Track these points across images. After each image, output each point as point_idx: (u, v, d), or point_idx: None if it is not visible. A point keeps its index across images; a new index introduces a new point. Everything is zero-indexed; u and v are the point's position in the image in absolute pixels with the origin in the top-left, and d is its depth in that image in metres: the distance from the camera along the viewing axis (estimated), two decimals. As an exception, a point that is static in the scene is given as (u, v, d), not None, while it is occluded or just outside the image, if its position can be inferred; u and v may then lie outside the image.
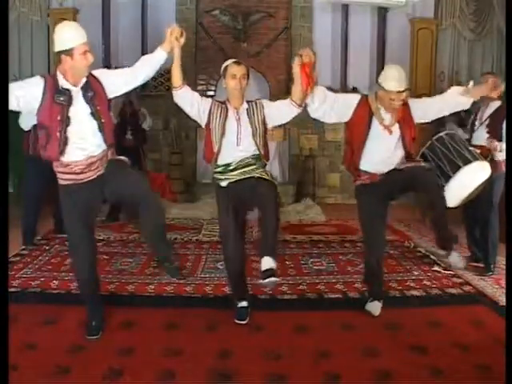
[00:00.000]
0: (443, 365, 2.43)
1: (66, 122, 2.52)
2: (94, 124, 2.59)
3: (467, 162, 3.44)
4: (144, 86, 6.95)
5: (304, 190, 6.79)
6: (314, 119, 3.11)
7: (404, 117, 2.99)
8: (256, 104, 2.97)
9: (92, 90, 2.59)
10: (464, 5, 6.94)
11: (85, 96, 2.57)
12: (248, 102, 2.97)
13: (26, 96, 2.49)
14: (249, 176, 2.88)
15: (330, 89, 7.48)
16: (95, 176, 2.63)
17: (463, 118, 6.60)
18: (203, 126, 2.99)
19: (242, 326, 2.86)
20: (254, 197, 2.85)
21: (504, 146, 3.58)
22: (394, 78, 2.88)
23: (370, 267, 3.11)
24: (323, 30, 7.10)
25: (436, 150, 3.58)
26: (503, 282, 3.54)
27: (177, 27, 2.84)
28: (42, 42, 6.74)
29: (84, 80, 2.58)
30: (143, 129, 5.67)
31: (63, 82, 2.54)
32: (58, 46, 2.51)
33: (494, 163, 3.63)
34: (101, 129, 2.61)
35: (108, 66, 7.02)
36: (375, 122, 2.95)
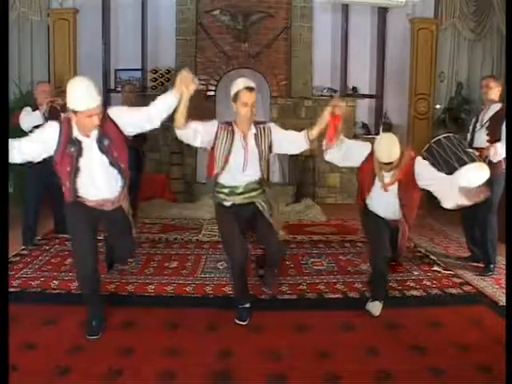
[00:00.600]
0: (443, 365, 2.43)
1: (75, 172, 2.60)
2: (113, 171, 2.68)
3: (464, 163, 3.46)
4: (144, 86, 6.99)
5: (304, 190, 6.78)
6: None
7: (406, 176, 3.07)
8: (264, 129, 2.94)
9: (108, 137, 2.62)
10: (464, 5, 6.93)
11: (100, 147, 2.61)
12: (256, 125, 2.94)
13: (46, 142, 2.60)
14: (252, 201, 2.97)
15: (330, 89, 7.52)
16: (106, 209, 2.79)
17: (464, 119, 6.63)
18: (209, 149, 2.96)
19: (242, 325, 2.87)
20: (255, 226, 3.00)
21: (503, 146, 3.58)
22: (384, 150, 2.96)
23: (377, 270, 3.14)
24: (323, 30, 7.10)
25: (434, 153, 3.61)
26: (503, 282, 3.54)
27: (187, 74, 2.70)
28: (41, 42, 6.74)
29: (97, 129, 2.59)
30: (143, 136, 5.65)
31: (76, 133, 2.58)
32: (68, 102, 2.52)
33: (493, 165, 3.63)
34: (121, 172, 2.71)
35: (108, 66, 7.04)
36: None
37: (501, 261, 3.91)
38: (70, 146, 2.56)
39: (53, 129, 2.59)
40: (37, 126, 4.29)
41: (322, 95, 7.02)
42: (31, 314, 2.95)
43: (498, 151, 3.63)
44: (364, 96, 7.26)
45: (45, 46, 6.76)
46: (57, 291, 3.36)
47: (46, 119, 4.33)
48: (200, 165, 6.99)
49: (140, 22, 6.97)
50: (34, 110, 4.33)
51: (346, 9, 7.09)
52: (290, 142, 2.98)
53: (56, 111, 4.48)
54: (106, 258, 3.44)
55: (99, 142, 2.60)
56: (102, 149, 2.61)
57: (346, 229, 5.34)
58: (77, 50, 6.74)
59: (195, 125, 2.83)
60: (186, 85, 2.67)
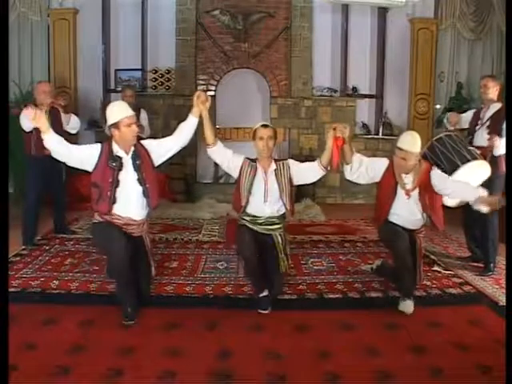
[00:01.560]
0: (443, 365, 2.43)
1: (115, 183, 2.95)
2: (140, 189, 3.02)
3: (465, 161, 3.47)
4: (144, 86, 6.99)
5: (304, 190, 6.77)
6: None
7: (424, 183, 3.20)
8: (283, 164, 3.27)
9: (140, 158, 3.03)
10: (464, 5, 6.94)
11: (133, 164, 3.01)
12: (276, 162, 3.29)
13: (87, 154, 3.01)
14: (270, 233, 3.27)
15: (330, 89, 7.53)
16: (131, 234, 3.06)
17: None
18: (235, 178, 3.32)
19: (242, 325, 2.86)
20: (266, 258, 3.24)
21: (503, 141, 3.58)
22: (408, 141, 3.17)
23: (403, 265, 3.15)
24: (323, 30, 7.09)
25: (436, 151, 3.63)
26: (503, 282, 3.54)
27: (202, 93, 3.16)
28: (41, 42, 6.75)
29: (132, 149, 3.02)
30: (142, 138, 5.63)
31: (117, 150, 3.00)
32: (108, 121, 2.98)
33: (494, 163, 3.63)
34: (145, 194, 3.03)
35: (108, 66, 7.03)
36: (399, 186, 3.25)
37: (501, 261, 3.91)
38: (111, 162, 2.97)
39: (95, 148, 3.03)
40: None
41: (321, 95, 7.02)
42: (31, 314, 2.95)
43: (497, 142, 3.63)
44: (364, 96, 7.26)
45: (45, 46, 6.76)
46: (57, 291, 3.36)
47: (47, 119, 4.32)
48: (200, 165, 7.00)
49: (140, 22, 6.96)
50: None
51: (346, 9, 7.09)
52: (307, 172, 3.30)
53: (57, 112, 4.49)
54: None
55: (133, 159, 3.01)
56: (135, 166, 3.01)
57: (346, 229, 5.34)
58: (77, 49, 6.75)
59: (225, 150, 3.29)
60: (202, 102, 3.11)
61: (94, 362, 2.42)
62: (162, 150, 3.17)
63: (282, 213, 3.31)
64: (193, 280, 3.64)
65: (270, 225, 3.27)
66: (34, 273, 3.72)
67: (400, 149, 3.16)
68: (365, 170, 3.28)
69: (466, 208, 3.93)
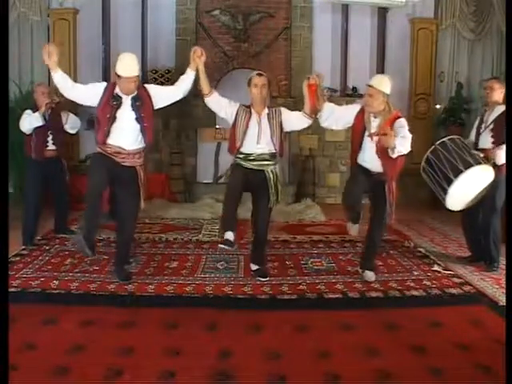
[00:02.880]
0: (443, 365, 2.42)
1: (112, 119, 3.30)
2: (137, 127, 3.37)
3: (469, 166, 3.47)
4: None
5: (304, 190, 6.78)
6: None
7: (386, 129, 3.30)
8: (275, 111, 3.59)
9: (140, 100, 3.36)
10: (464, 5, 6.94)
11: (133, 104, 3.34)
12: (269, 108, 3.58)
13: (91, 92, 3.37)
14: (262, 169, 3.51)
15: (330, 89, 7.52)
16: (121, 164, 3.37)
17: (464, 119, 6.63)
18: (230, 125, 3.59)
19: (242, 325, 2.86)
20: (257, 194, 3.55)
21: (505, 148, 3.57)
22: (376, 79, 3.47)
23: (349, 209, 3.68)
24: (323, 30, 7.10)
25: (439, 155, 3.64)
26: (503, 282, 3.54)
27: (198, 48, 3.54)
28: (41, 42, 6.73)
29: (135, 92, 3.35)
30: None
31: (118, 91, 3.35)
32: (116, 68, 3.28)
33: (497, 166, 3.63)
34: (142, 131, 3.39)
35: (108, 66, 7.03)
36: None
37: (501, 261, 3.91)
38: (112, 100, 3.31)
39: (101, 85, 3.39)
40: (37, 127, 4.31)
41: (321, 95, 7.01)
42: (31, 314, 2.95)
43: (503, 153, 3.61)
44: (364, 96, 7.26)
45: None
46: (57, 291, 3.36)
47: (46, 120, 4.34)
48: (200, 165, 7.00)
49: (140, 22, 6.97)
50: (34, 112, 4.34)
51: (346, 9, 7.09)
52: (295, 119, 3.62)
53: (56, 112, 4.49)
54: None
55: (133, 100, 3.34)
56: (133, 106, 3.33)
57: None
58: (77, 49, 6.75)
59: (221, 98, 3.60)
60: (198, 56, 3.47)
61: (94, 362, 2.41)
62: (162, 94, 3.53)
63: (272, 151, 3.55)
64: (193, 280, 3.64)
65: (262, 160, 3.52)
66: (34, 273, 3.72)
67: (368, 85, 3.41)
68: (338, 115, 3.54)
69: (468, 209, 3.94)
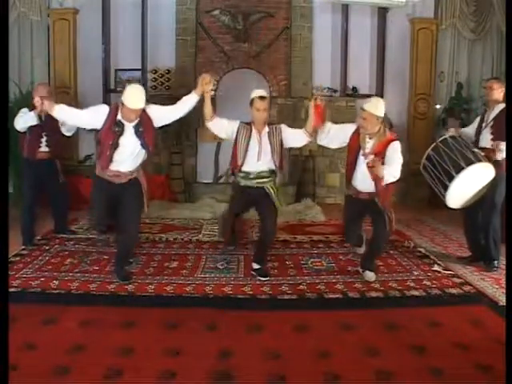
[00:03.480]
0: (443, 365, 2.42)
1: (115, 145, 3.36)
2: (143, 151, 3.48)
3: (470, 163, 3.47)
4: (144, 86, 6.98)
5: (304, 190, 6.78)
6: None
7: (381, 151, 3.42)
8: (276, 128, 3.69)
9: (143, 125, 3.42)
10: (464, 5, 6.94)
11: (136, 131, 3.40)
12: (269, 125, 3.69)
13: (94, 117, 3.42)
14: (262, 186, 3.64)
15: (330, 89, 7.52)
16: (117, 183, 3.47)
17: (464, 119, 6.63)
18: (232, 143, 3.71)
19: (242, 325, 2.86)
20: (261, 207, 3.69)
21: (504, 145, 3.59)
22: (370, 103, 3.48)
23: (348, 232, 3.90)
24: (323, 30, 7.09)
25: (440, 152, 3.64)
26: (503, 282, 3.54)
27: (207, 75, 3.57)
28: (41, 42, 6.75)
29: (138, 119, 3.39)
30: None
31: (120, 117, 3.38)
32: (123, 97, 3.31)
33: (497, 164, 3.63)
34: (148, 153, 3.52)
35: (108, 66, 7.04)
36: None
37: (501, 261, 3.91)
38: (115, 126, 3.35)
39: (104, 110, 3.41)
40: (32, 126, 4.28)
41: (322, 95, 7.01)
42: (31, 314, 2.95)
43: (502, 147, 3.62)
44: (364, 96, 7.25)
45: (45, 46, 6.76)
46: (57, 291, 3.36)
47: (42, 120, 4.29)
48: (200, 165, 7.00)
49: (140, 22, 6.96)
50: (30, 111, 4.32)
51: (346, 9, 7.08)
52: (295, 136, 3.71)
53: (53, 117, 4.46)
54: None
55: (136, 127, 3.39)
56: (137, 133, 3.40)
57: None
58: (77, 49, 6.74)
59: (221, 121, 3.71)
60: (206, 83, 3.51)
61: (94, 362, 2.42)
62: (162, 114, 3.57)
63: (271, 168, 3.68)
64: (193, 280, 3.64)
65: (261, 178, 3.66)
66: (34, 273, 3.72)
67: (363, 109, 3.46)
68: (334, 134, 3.66)
69: (465, 209, 3.95)
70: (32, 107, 4.34)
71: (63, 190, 4.72)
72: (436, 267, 3.95)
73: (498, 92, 3.82)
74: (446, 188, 3.60)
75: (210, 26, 6.90)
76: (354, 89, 7.20)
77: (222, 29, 6.90)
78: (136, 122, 3.39)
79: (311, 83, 7.01)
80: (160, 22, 6.99)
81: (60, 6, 6.61)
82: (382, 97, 7.22)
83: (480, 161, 3.54)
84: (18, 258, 4.05)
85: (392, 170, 3.35)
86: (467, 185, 3.60)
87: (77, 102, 6.79)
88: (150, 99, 6.64)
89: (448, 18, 6.94)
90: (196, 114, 5.65)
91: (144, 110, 3.42)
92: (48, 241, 4.61)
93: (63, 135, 4.62)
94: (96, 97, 6.91)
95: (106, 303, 3.17)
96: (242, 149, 3.61)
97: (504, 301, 3.13)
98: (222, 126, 3.71)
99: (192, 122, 6.75)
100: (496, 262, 3.87)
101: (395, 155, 3.39)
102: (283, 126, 3.74)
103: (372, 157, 3.40)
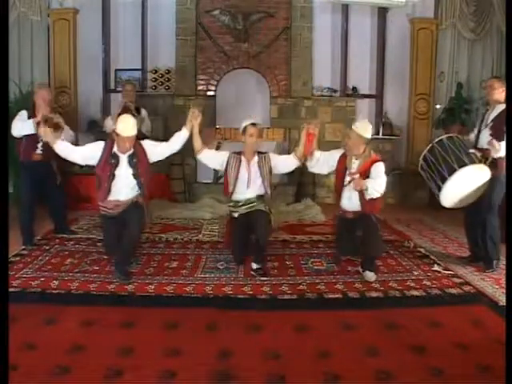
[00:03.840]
0: (443, 365, 2.42)
1: (111, 177, 3.60)
2: (134, 182, 3.67)
3: (463, 164, 3.51)
4: (144, 86, 6.99)
5: (304, 190, 6.78)
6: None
7: (365, 170, 3.62)
8: (264, 157, 3.88)
9: (137, 156, 3.66)
10: (464, 5, 6.94)
11: (130, 162, 3.63)
12: (259, 154, 3.89)
13: (91, 153, 3.68)
14: (252, 210, 3.84)
15: (330, 89, 7.51)
16: (118, 212, 3.68)
17: (463, 119, 6.63)
18: (223, 172, 3.95)
19: (242, 325, 2.86)
20: (255, 222, 3.78)
21: (503, 144, 3.58)
22: (359, 125, 3.70)
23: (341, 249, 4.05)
24: (323, 30, 7.10)
25: (435, 153, 3.68)
26: (503, 282, 3.54)
27: (196, 110, 3.80)
28: (41, 42, 6.75)
29: (132, 150, 3.64)
30: (142, 132, 5.63)
31: (115, 150, 3.64)
32: (116, 128, 3.57)
33: (494, 165, 3.63)
34: (139, 185, 3.70)
35: (108, 66, 7.04)
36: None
37: (501, 261, 3.91)
38: (111, 159, 3.61)
39: (100, 146, 3.68)
40: (27, 135, 4.26)
41: (322, 95, 7.02)
42: (31, 314, 2.95)
43: (497, 146, 3.61)
44: (364, 96, 7.27)
45: (45, 46, 6.76)
46: (57, 291, 3.35)
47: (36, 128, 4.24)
48: (200, 165, 6.99)
49: (140, 22, 6.97)
50: (29, 117, 4.28)
51: (346, 9, 7.09)
52: (285, 163, 3.97)
53: (52, 124, 4.42)
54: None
55: (130, 157, 3.64)
56: (131, 163, 3.63)
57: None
58: (77, 49, 6.75)
59: (211, 152, 3.99)
60: (194, 118, 3.74)
61: (94, 362, 2.42)
62: (156, 150, 3.80)
63: (260, 194, 3.88)
64: (193, 280, 3.64)
65: (250, 204, 3.85)
66: (34, 273, 3.72)
67: (351, 130, 3.67)
68: (323, 160, 3.83)
69: (466, 209, 3.95)
70: (32, 112, 4.31)
71: (60, 190, 4.70)
72: (436, 267, 3.95)
73: (499, 92, 3.78)
74: (439, 189, 3.65)
75: (209, 26, 6.91)
76: (354, 89, 7.21)
77: (222, 29, 6.90)
78: (130, 152, 3.63)
79: (311, 83, 7.01)
80: (160, 22, 7.00)
81: (60, 5, 6.62)
82: (381, 97, 7.26)
83: (473, 162, 3.56)
84: (18, 258, 4.05)
85: (375, 185, 3.53)
86: (460, 186, 3.63)
87: (77, 102, 6.81)
88: (151, 99, 6.74)
89: (448, 18, 6.95)
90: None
91: (139, 144, 3.70)
92: (48, 241, 4.61)
93: None
94: (96, 97, 6.92)
95: (106, 303, 3.17)
96: (233, 177, 3.83)
97: (504, 301, 3.13)
98: (212, 158, 3.97)
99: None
100: (495, 261, 3.87)
101: (379, 174, 3.59)
102: (271, 155, 3.96)
103: (357, 176, 3.56)
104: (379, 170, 3.61)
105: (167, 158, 3.94)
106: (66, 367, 2.34)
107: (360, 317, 3.00)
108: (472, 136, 4.03)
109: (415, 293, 3.43)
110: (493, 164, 3.64)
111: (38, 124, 4.18)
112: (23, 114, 4.32)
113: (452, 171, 3.56)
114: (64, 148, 3.75)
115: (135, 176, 3.65)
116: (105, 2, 6.96)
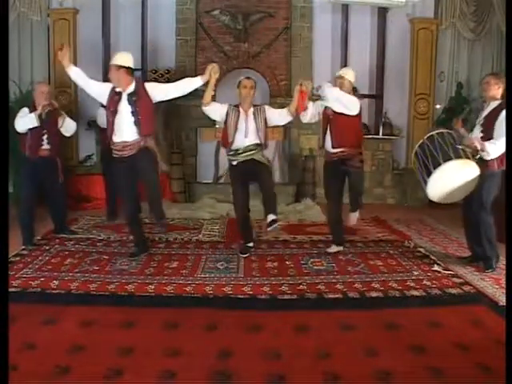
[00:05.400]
0: (443, 365, 2.42)
1: (115, 112, 3.80)
2: (132, 119, 3.80)
3: (448, 159, 3.52)
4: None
5: (304, 190, 6.78)
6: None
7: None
8: (260, 108, 4.15)
9: (136, 95, 3.81)
10: (464, 5, 6.95)
11: (129, 99, 3.81)
12: (254, 106, 4.13)
13: (101, 89, 3.92)
14: (251, 158, 4.06)
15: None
16: (128, 155, 3.86)
17: (463, 119, 6.63)
18: (222, 124, 4.20)
19: (242, 325, 2.86)
20: (256, 175, 4.07)
21: (497, 146, 3.56)
22: (344, 70, 4.38)
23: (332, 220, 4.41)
24: (323, 30, 7.10)
25: (424, 148, 3.71)
26: (503, 282, 3.54)
27: (216, 66, 3.92)
28: (41, 42, 6.76)
29: (132, 88, 3.83)
30: None
31: (116, 87, 3.85)
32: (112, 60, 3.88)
33: (483, 162, 3.61)
34: (137, 123, 3.82)
35: (108, 67, 7.03)
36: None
37: (501, 261, 3.91)
38: (114, 95, 3.84)
39: (107, 86, 3.92)
40: (32, 128, 4.29)
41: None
42: (31, 314, 2.95)
43: (488, 149, 3.58)
44: (364, 96, 7.26)
45: (45, 46, 6.77)
46: (57, 291, 3.35)
47: (42, 121, 4.30)
48: (200, 165, 7.00)
49: (140, 22, 6.97)
50: (31, 111, 4.32)
51: (346, 9, 7.09)
52: (278, 115, 4.19)
53: (53, 116, 4.47)
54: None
55: (129, 96, 3.82)
56: (129, 101, 3.81)
57: (346, 229, 5.33)
58: (77, 49, 6.75)
59: (216, 105, 4.17)
60: (214, 72, 3.88)
61: (94, 362, 2.41)
62: (160, 88, 3.99)
63: (257, 142, 4.09)
64: (193, 280, 3.64)
65: (249, 151, 4.07)
66: (34, 273, 3.71)
67: (339, 76, 4.27)
68: (312, 112, 4.16)
69: (464, 207, 3.95)
70: (33, 108, 4.35)
71: (62, 189, 4.72)
72: (436, 267, 3.95)
73: (495, 88, 3.73)
74: (426, 183, 3.67)
75: (209, 26, 6.91)
76: (354, 89, 7.18)
77: (222, 29, 6.91)
78: (130, 91, 3.81)
79: (311, 83, 6.99)
80: (160, 22, 7.00)
81: (60, 5, 6.63)
82: (381, 97, 7.25)
83: (460, 157, 3.55)
84: (18, 258, 4.05)
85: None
86: (445, 179, 3.63)
87: (77, 102, 6.82)
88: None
89: (448, 18, 6.95)
90: (196, 113, 5.66)
91: (142, 85, 3.88)
92: (48, 241, 4.61)
93: (63, 136, 4.64)
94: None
95: (105, 303, 3.17)
96: (232, 127, 4.05)
97: (504, 301, 3.13)
98: (216, 110, 4.16)
99: (192, 122, 6.77)
100: (494, 260, 3.85)
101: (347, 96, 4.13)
102: (266, 107, 4.21)
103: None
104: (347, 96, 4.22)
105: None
106: (66, 367, 2.34)
107: (360, 317, 3.00)
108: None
109: (415, 293, 3.43)
110: (482, 161, 3.62)
111: (39, 116, 4.28)
112: (24, 110, 4.35)
113: (437, 165, 3.58)
114: (78, 74, 3.88)
115: (133, 113, 3.79)
116: (105, 2, 6.96)
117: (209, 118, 4.42)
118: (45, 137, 4.42)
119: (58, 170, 4.58)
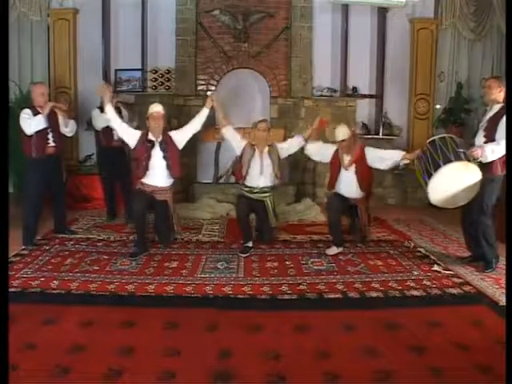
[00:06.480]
0: (443, 365, 2.43)
1: (149, 157, 4.23)
2: (164, 163, 4.26)
3: (448, 162, 3.52)
4: (144, 86, 6.99)
5: (304, 190, 6.78)
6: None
7: (359, 157, 4.34)
8: (273, 146, 4.50)
9: (165, 143, 4.28)
10: (464, 5, 6.94)
11: (160, 146, 4.26)
12: (269, 146, 4.48)
13: (128, 133, 4.36)
14: (262, 199, 4.47)
15: (330, 89, 7.51)
16: (157, 197, 4.32)
17: (464, 119, 6.63)
18: (238, 156, 4.57)
19: (242, 325, 2.86)
20: (260, 213, 4.55)
21: (497, 148, 3.55)
22: (337, 132, 4.39)
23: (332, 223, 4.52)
24: (323, 30, 7.08)
25: (427, 153, 3.71)
26: (503, 282, 3.54)
27: (213, 95, 4.54)
28: (41, 42, 6.75)
29: (161, 137, 4.27)
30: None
31: (150, 136, 4.28)
32: (148, 111, 4.31)
33: (485, 166, 3.61)
34: (168, 167, 4.28)
35: (108, 66, 7.03)
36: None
37: (501, 261, 3.91)
38: (147, 142, 4.24)
39: (137, 133, 4.33)
40: (39, 130, 4.31)
41: (322, 95, 7.01)
42: (31, 314, 2.95)
43: (486, 153, 3.58)
44: (364, 96, 7.26)
45: (45, 46, 6.77)
46: (57, 291, 3.36)
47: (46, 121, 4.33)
48: (200, 165, 6.99)
49: (140, 21, 6.96)
50: (34, 113, 4.32)
51: (346, 9, 7.08)
52: (290, 147, 4.60)
53: (55, 114, 4.48)
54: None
55: (160, 144, 4.26)
56: (161, 147, 4.26)
57: (346, 229, 5.32)
58: (77, 49, 6.75)
59: (234, 132, 4.54)
60: (213, 100, 4.40)
61: (94, 362, 2.42)
62: (181, 136, 4.40)
63: (272, 184, 4.49)
64: (193, 280, 3.64)
65: (263, 193, 4.46)
66: (34, 273, 3.72)
67: (341, 140, 4.35)
68: (317, 150, 4.57)
69: (463, 208, 3.94)
70: (32, 108, 4.34)
71: (64, 189, 4.75)
72: (436, 267, 3.95)
73: (497, 92, 3.72)
74: (427, 186, 3.68)
75: (209, 26, 6.90)
76: (354, 89, 7.20)
77: (222, 29, 6.89)
78: (160, 139, 4.25)
79: (311, 83, 7.00)
80: (160, 22, 6.99)
81: (60, 5, 6.62)
82: (381, 97, 7.25)
83: (460, 160, 3.55)
84: (18, 258, 4.05)
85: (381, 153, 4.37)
86: (445, 183, 3.63)
87: (77, 102, 6.82)
88: (151, 99, 6.72)
89: (448, 18, 6.95)
90: (196, 113, 5.68)
91: (167, 134, 4.30)
92: (48, 241, 4.61)
93: (63, 135, 4.66)
94: (96, 97, 6.90)
95: (105, 303, 3.17)
96: (246, 164, 4.40)
97: (504, 301, 3.14)
98: (234, 138, 4.51)
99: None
100: (494, 260, 3.85)
101: (375, 150, 4.37)
102: (278, 145, 4.58)
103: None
104: (372, 149, 4.38)
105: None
106: (66, 367, 2.34)
107: (360, 317, 3.00)
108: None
109: (415, 293, 3.43)
110: (484, 165, 3.61)
111: (48, 116, 4.34)
112: (27, 112, 4.35)
113: (437, 168, 3.58)
114: (112, 111, 4.30)
115: (165, 158, 4.23)
116: (105, 2, 6.95)
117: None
118: (50, 135, 4.47)
119: (62, 170, 4.63)
